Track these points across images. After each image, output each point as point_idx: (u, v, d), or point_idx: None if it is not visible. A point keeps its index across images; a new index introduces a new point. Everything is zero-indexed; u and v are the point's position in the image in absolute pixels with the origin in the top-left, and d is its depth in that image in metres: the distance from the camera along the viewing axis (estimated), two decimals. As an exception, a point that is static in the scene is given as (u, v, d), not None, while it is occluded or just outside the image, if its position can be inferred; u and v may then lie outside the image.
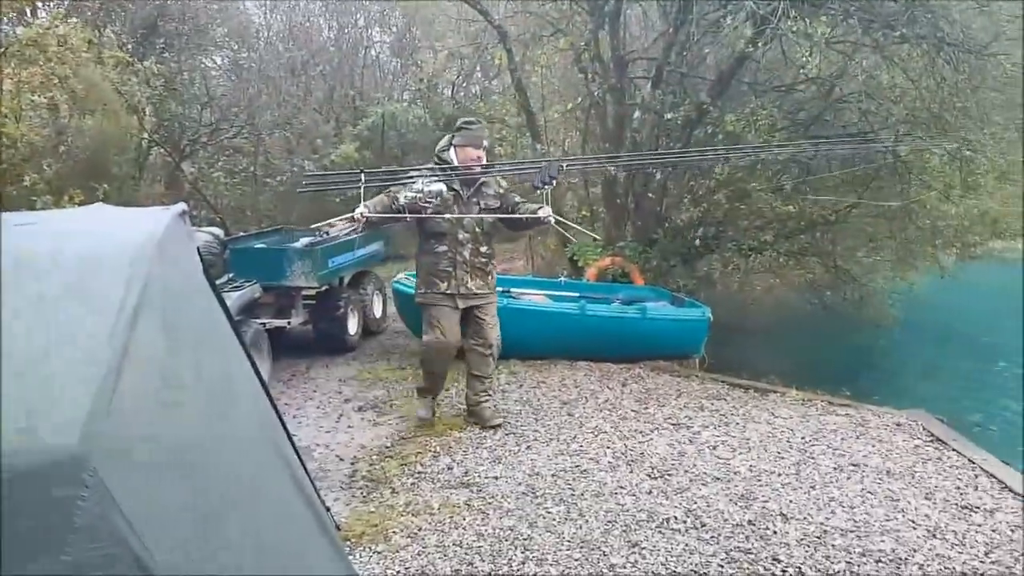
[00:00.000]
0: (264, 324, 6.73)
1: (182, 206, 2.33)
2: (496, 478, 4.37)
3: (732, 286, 9.91)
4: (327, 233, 8.35)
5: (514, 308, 7.20)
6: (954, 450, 4.97)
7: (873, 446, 4.97)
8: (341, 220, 4.87)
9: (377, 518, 3.86)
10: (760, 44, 7.50)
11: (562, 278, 8.76)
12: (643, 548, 3.54)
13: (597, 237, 6.43)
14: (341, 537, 3.60)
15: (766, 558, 3.44)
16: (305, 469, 3.15)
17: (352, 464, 4.71)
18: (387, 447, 4.96)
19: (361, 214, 4.65)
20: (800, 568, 3.35)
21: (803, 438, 5.10)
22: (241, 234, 9.13)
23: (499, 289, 7.87)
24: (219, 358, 2.32)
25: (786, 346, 10.54)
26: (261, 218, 13.42)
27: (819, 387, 6.62)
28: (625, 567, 3.37)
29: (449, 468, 4.53)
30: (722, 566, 3.37)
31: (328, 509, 3.49)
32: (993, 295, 13.63)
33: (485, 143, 5.14)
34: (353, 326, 7.78)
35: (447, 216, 4.91)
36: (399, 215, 4.89)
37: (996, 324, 12.26)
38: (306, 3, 16.64)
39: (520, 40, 9.73)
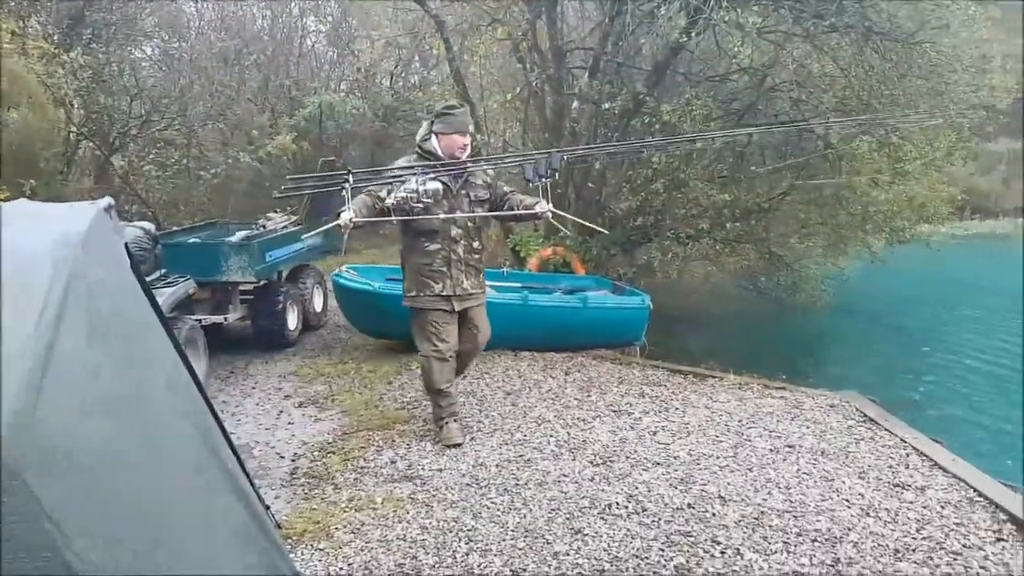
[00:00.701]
0: (200, 321, 6.60)
1: (108, 200, 2.27)
2: (440, 470, 4.37)
3: (671, 274, 10.06)
4: (263, 227, 8.28)
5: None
6: (886, 430, 5.13)
7: (808, 427, 5.10)
8: (328, 228, 4.45)
9: (319, 515, 3.83)
10: (694, 34, 7.61)
11: (504, 269, 8.77)
12: (586, 535, 3.58)
13: (603, 230, 6.13)
14: (282, 535, 3.56)
15: (705, 540, 3.51)
16: (243, 468, 3.10)
17: (293, 461, 4.65)
18: (329, 443, 4.91)
19: (351, 220, 4.12)
20: (738, 549, 3.43)
21: (740, 421, 5.21)
22: (174, 229, 8.91)
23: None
24: (149, 356, 2.26)
25: (724, 332, 10.77)
26: (195, 212, 13.11)
27: (756, 371, 6.77)
28: (568, 554, 3.40)
29: (392, 462, 4.51)
30: (663, 550, 3.43)
31: (268, 507, 3.44)
32: (920, 279, 14.13)
33: (471, 128, 4.82)
34: (293, 321, 7.68)
35: (442, 216, 4.53)
36: (385, 218, 4.46)
37: (923, 308, 12.72)
38: (238, -9, 16.27)
39: (457, 30, 9.69)
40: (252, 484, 3.21)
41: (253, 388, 6.32)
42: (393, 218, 4.43)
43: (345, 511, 3.86)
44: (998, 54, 9.04)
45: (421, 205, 4.34)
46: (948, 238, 12.24)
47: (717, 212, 9.04)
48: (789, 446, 4.73)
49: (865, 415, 5.37)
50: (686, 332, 9.99)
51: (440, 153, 4.64)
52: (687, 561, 3.33)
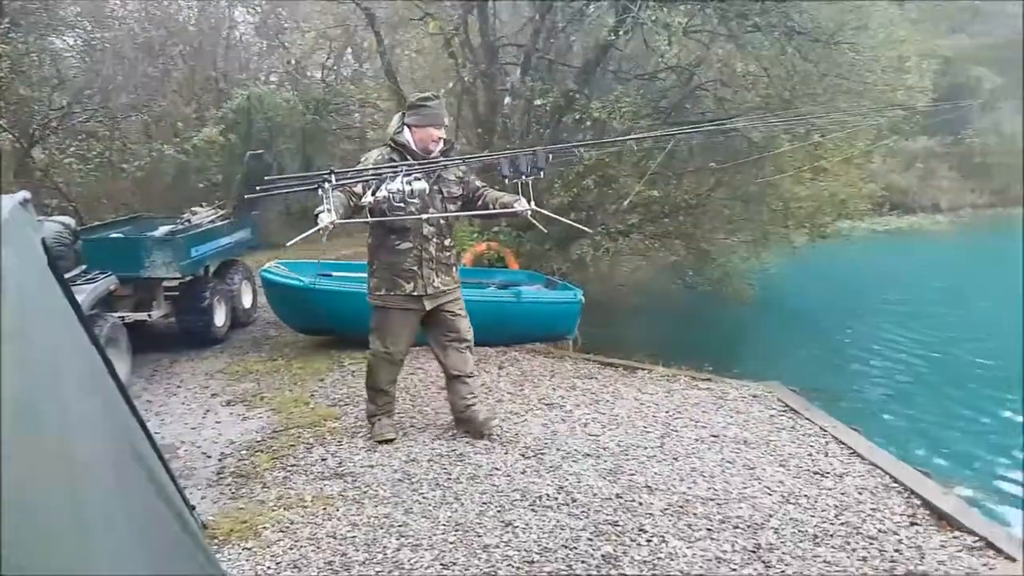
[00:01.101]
0: (122, 318, 6.43)
1: (24, 194, 2.20)
2: (371, 467, 4.36)
3: (603, 269, 10.20)
4: (188, 221, 8.10)
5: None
6: (807, 419, 5.31)
7: (732, 417, 5.25)
8: (309, 234, 3.93)
9: (247, 514, 3.78)
10: (622, 33, 7.72)
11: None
12: (516, 527, 3.62)
13: (588, 230, 5.53)
14: (208, 536, 3.51)
15: (632, 529, 3.59)
16: (167, 468, 3.05)
17: (220, 460, 4.58)
18: (257, 441, 4.85)
19: (331, 222, 3.80)
20: (664, 537, 3.52)
21: (668, 412, 5.33)
22: (95, 223, 8.64)
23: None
24: (66, 356, 2.21)
25: (654, 325, 10.97)
26: (118, 206, 12.70)
27: (684, 363, 6.92)
28: (499, 547, 3.44)
29: (323, 459, 4.48)
30: (591, 539, 3.50)
31: (193, 508, 3.39)
32: (841, 274, 14.62)
33: (446, 121, 4.62)
34: (220, 318, 7.53)
35: (424, 216, 4.32)
36: (366, 219, 4.27)
37: (843, 301, 13.17)
38: (164, -19, 15.82)
39: (389, 23, 9.62)
40: (176, 485, 3.16)
41: (179, 387, 6.19)
42: (373, 219, 4.23)
43: (273, 510, 3.83)
44: (915, 54, 9.40)
45: (404, 205, 4.07)
46: (868, 233, 12.73)
47: (647, 208, 9.20)
48: (714, 436, 4.86)
49: (787, 405, 5.55)
50: (617, 326, 10.14)
51: (413, 147, 4.46)
52: (614, 550, 3.40)
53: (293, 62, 15.71)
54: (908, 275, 15.65)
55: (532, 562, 3.32)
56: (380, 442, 4.67)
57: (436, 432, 4.92)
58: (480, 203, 4.62)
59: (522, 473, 4.27)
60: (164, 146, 13.00)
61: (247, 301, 8.37)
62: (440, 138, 4.51)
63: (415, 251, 4.50)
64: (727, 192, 9.07)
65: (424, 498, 3.94)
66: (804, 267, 11.65)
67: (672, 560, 3.33)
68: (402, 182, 4.02)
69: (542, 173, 4.32)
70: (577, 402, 5.60)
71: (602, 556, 3.36)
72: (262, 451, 4.67)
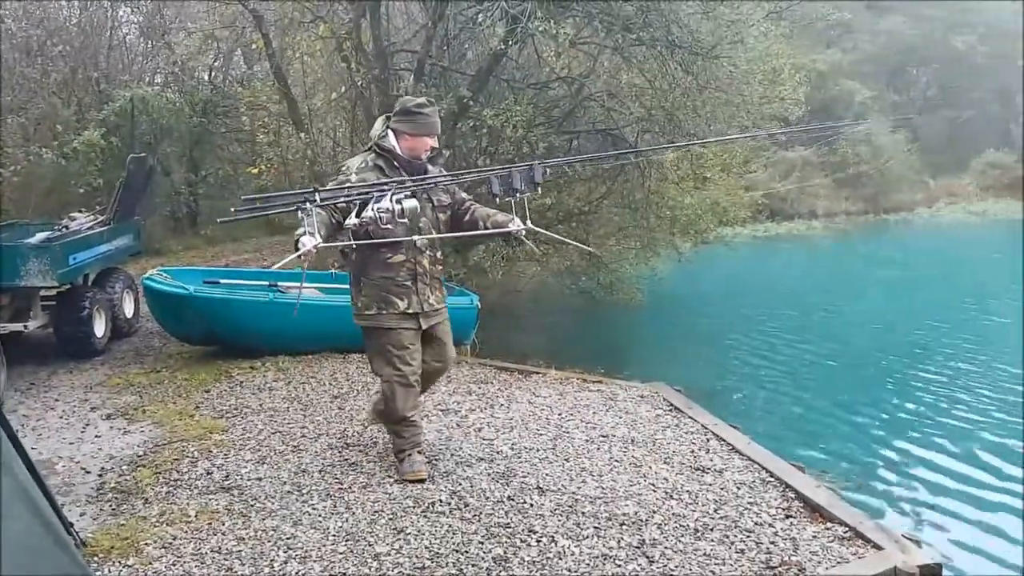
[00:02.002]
0: (-4, 329, 6.12)
1: None
2: (260, 479, 4.28)
3: (498, 274, 10.30)
4: (66, 227, 7.75)
5: (282, 302, 7.04)
6: (690, 417, 5.51)
7: (620, 418, 5.41)
8: (289, 260, 3.64)
9: (128, 531, 3.65)
10: (512, 42, 7.84)
11: (333, 270, 8.66)
12: (408, 534, 3.63)
13: (592, 249, 4.77)
14: (88, 554, 3.39)
15: (523, 530, 3.66)
16: (42, 485, 2.92)
17: (100, 476, 4.41)
18: (139, 455, 4.68)
19: (315, 246, 3.52)
20: (553, 536, 3.60)
21: (560, 415, 5.44)
22: (-33, 231, 8.16)
23: (265, 283, 7.70)
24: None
25: (548, 329, 11.19)
26: (-8, 213, 12.01)
27: (576, 366, 7.08)
28: (390, 554, 3.44)
29: (208, 473, 4.37)
30: (482, 542, 3.54)
31: (71, 525, 3.27)
32: (724, 278, 15.24)
33: (439, 129, 4.26)
34: (100, 328, 7.24)
35: (417, 239, 4.04)
36: (354, 242, 3.91)
37: (726, 304, 13.74)
38: (42, -21, 15.02)
39: (278, 25, 9.46)
40: (53, 502, 3.03)
41: (56, 400, 5.93)
42: (359, 242, 3.90)
43: (156, 526, 3.71)
44: (788, 68, 9.93)
45: (393, 227, 3.80)
46: (750, 239, 13.32)
47: (540, 215, 9.33)
48: (603, 436, 4.99)
49: (671, 404, 5.76)
50: (513, 330, 10.26)
51: (400, 152, 4.13)
52: (505, 552, 3.46)
53: (179, 63, 15.18)
54: (786, 278, 16.45)
55: (423, 568, 3.34)
56: (411, 481, 4.18)
57: (328, 441, 4.87)
58: (468, 217, 4.30)
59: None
60: (42, 150, 12.37)
61: (129, 310, 8.07)
62: (431, 148, 4.19)
63: (408, 264, 4.12)
64: (616, 200, 9.33)
65: (314, 509, 3.90)
66: (690, 272, 12.10)
67: (560, 559, 3.41)
68: (391, 201, 3.74)
69: (539, 189, 4.03)
70: (472, 407, 5.64)
71: (493, 558, 3.41)
72: (144, 466, 4.51)
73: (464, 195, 4.41)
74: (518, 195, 3.95)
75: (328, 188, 3.86)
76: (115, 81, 14.81)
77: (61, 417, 5.52)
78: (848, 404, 8.41)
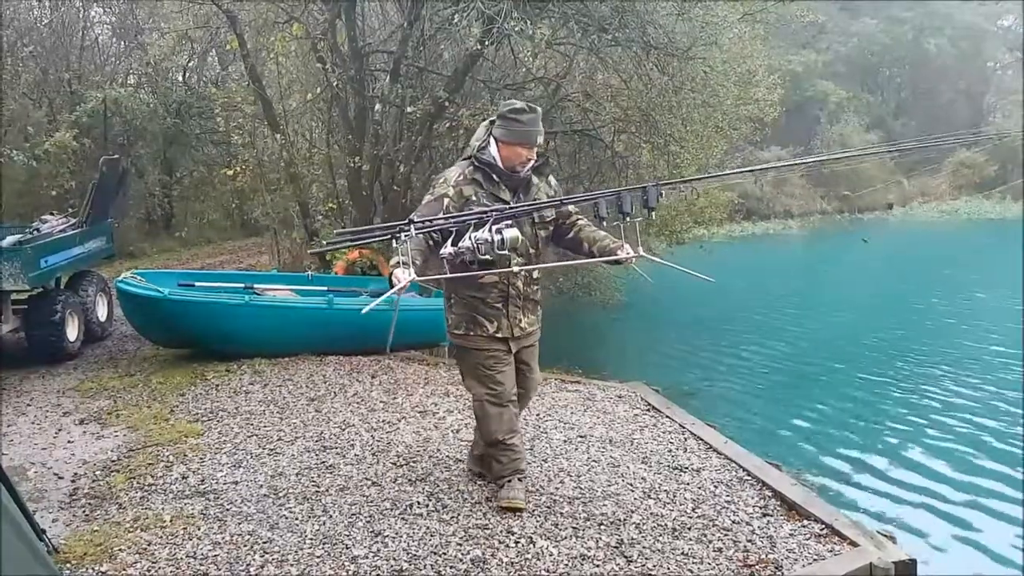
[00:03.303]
0: (-36, 335, 6.02)
1: None
2: (236, 483, 4.24)
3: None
4: (37, 230, 7.65)
5: (259, 305, 7.00)
6: (668, 417, 5.53)
7: (598, 418, 5.42)
8: (387, 296, 3.43)
9: (101, 536, 3.60)
10: (488, 43, 7.84)
11: (309, 272, 8.62)
12: (386, 536, 3.61)
13: (709, 279, 4.11)
14: (60, 560, 3.34)
15: (501, 531, 3.65)
16: (13, 491, 2.88)
17: (73, 482, 4.35)
18: (113, 461, 4.62)
19: (409, 280, 3.31)
20: (531, 537, 3.60)
21: (538, 415, 5.43)
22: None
23: (240, 285, 7.64)
24: None
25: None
26: (-38, 216, 11.82)
27: (555, 366, 7.07)
28: (367, 557, 3.43)
29: (184, 477, 4.32)
30: (460, 544, 3.53)
31: (43, 532, 3.22)
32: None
33: (540, 139, 3.83)
34: (73, 332, 7.15)
35: (516, 269, 3.68)
36: (449, 275, 3.64)
37: (703, 305, 13.82)
38: (13, -22, 14.81)
39: (252, 26, 9.38)
40: (24, 508, 2.99)
41: (28, 405, 5.85)
42: (453, 275, 3.63)
43: (130, 531, 3.66)
44: (763, 69, 10.00)
45: (491, 258, 3.48)
46: (726, 239, 13.40)
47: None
48: (581, 436, 5.00)
49: (649, 404, 5.77)
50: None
51: (499, 164, 3.76)
52: (483, 553, 3.45)
53: (152, 63, 15.03)
54: (761, 278, 16.57)
55: (401, 570, 3.32)
56: (508, 509, 3.89)
57: (305, 444, 4.83)
58: (572, 235, 3.94)
59: (393, 482, 4.26)
60: (13, 152, 12.18)
61: (102, 314, 7.98)
62: (530, 159, 3.80)
63: (500, 285, 3.82)
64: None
65: (291, 512, 3.87)
66: (667, 272, 12.11)
67: (539, 560, 3.41)
68: (490, 231, 3.43)
69: (652, 214, 3.65)
70: (450, 408, 5.63)
71: (471, 560, 3.40)
72: (118, 471, 4.46)
73: (571, 207, 3.98)
74: (628, 219, 3.59)
75: (423, 219, 3.52)
76: (87, 82, 14.65)
77: (33, 422, 5.44)
78: (823, 402, 8.49)
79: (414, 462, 4.55)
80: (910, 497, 6.18)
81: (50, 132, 12.83)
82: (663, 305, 13.42)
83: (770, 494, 4.19)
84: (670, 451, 4.84)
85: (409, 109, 8.62)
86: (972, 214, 29.38)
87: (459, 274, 3.63)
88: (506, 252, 3.49)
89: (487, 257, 3.44)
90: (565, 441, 4.92)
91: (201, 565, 3.35)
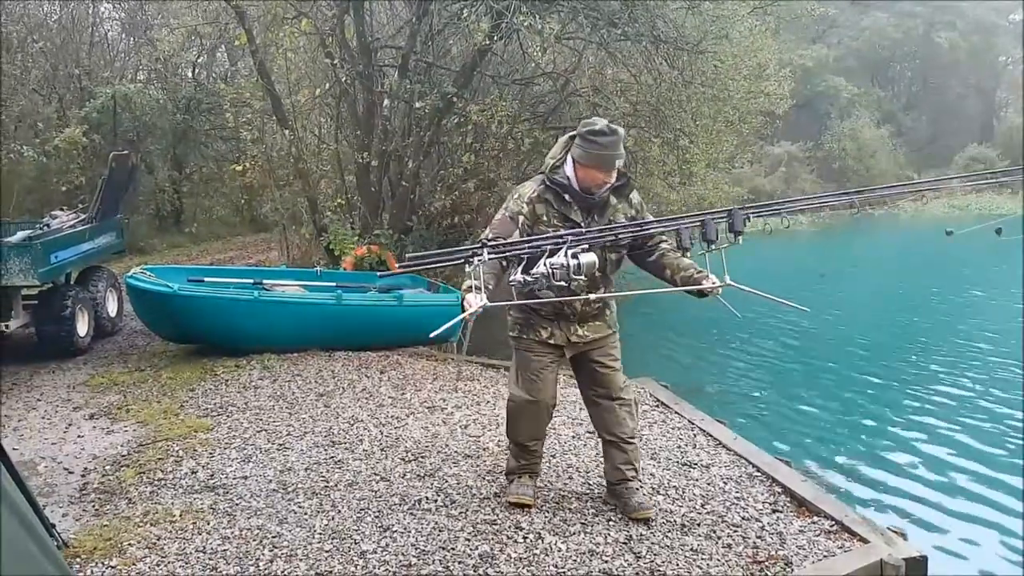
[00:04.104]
0: (-25, 329, 6.06)
1: None
2: (245, 478, 4.25)
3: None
4: (47, 226, 7.68)
5: (268, 300, 7.02)
6: (676, 413, 5.52)
7: (608, 414, 5.39)
8: (457, 321, 3.32)
9: (111, 531, 3.62)
10: (497, 38, 7.82)
11: (318, 268, 8.64)
12: (394, 531, 3.61)
13: (803, 308, 3.93)
14: (69, 554, 3.35)
15: (509, 527, 3.65)
16: (23, 486, 2.89)
17: (83, 476, 4.37)
18: (123, 455, 4.64)
19: (481, 306, 3.20)
20: (539, 533, 3.59)
21: (547, 411, 5.42)
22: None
23: (249, 281, 7.66)
24: None
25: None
26: (-28, 211, 11.89)
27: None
28: (376, 552, 3.43)
29: (193, 472, 4.33)
30: (469, 539, 3.53)
31: (53, 526, 3.24)
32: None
33: (619, 162, 3.59)
34: (83, 327, 7.18)
35: (593, 296, 3.54)
36: (522, 302, 3.52)
37: (712, 301, 13.74)
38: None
39: (261, 21, 9.39)
40: (34, 503, 3.00)
41: (39, 400, 5.88)
42: (523, 302, 3.52)
43: (139, 526, 3.67)
44: (774, 63, 9.94)
45: (566, 283, 3.30)
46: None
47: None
48: (589, 432, 4.96)
49: (658, 400, 5.75)
50: (499, 327, 10.22)
51: (574, 185, 3.58)
52: (491, 548, 3.44)
53: (162, 60, 15.07)
54: (770, 274, 16.49)
55: (410, 565, 3.32)
56: (514, 504, 3.90)
57: (314, 439, 4.84)
58: (653, 259, 3.73)
59: (402, 477, 4.26)
60: (23, 147, 12.25)
61: (112, 309, 8.01)
62: (606, 182, 3.58)
63: (556, 304, 3.66)
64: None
65: (300, 507, 3.87)
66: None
67: (547, 555, 3.40)
68: (566, 255, 3.26)
69: (739, 240, 3.41)
70: (458, 404, 5.63)
71: (479, 555, 3.39)
72: (128, 466, 4.48)
73: (650, 217, 3.81)
74: (713, 247, 3.40)
75: (496, 239, 3.42)
76: (97, 78, 14.70)
77: (43, 417, 5.46)
78: (833, 399, 8.44)
79: (423, 458, 4.55)
80: (921, 494, 6.13)
81: (60, 128, 12.88)
82: (671, 300, 13.37)
83: (780, 490, 4.18)
84: (679, 447, 4.82)
85: (417, 104, 8.61)
86: (983, 209, 29.19)
87: (531, 301, 3.55)
88: (582, 278, 3.32)
89: (561, 283, 3.28)
90: (573, 437, 4.91)
91: (210, 560, 3.35)
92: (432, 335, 3.23)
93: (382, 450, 4.67)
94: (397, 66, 8.95)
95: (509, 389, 3.96)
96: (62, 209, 8.84)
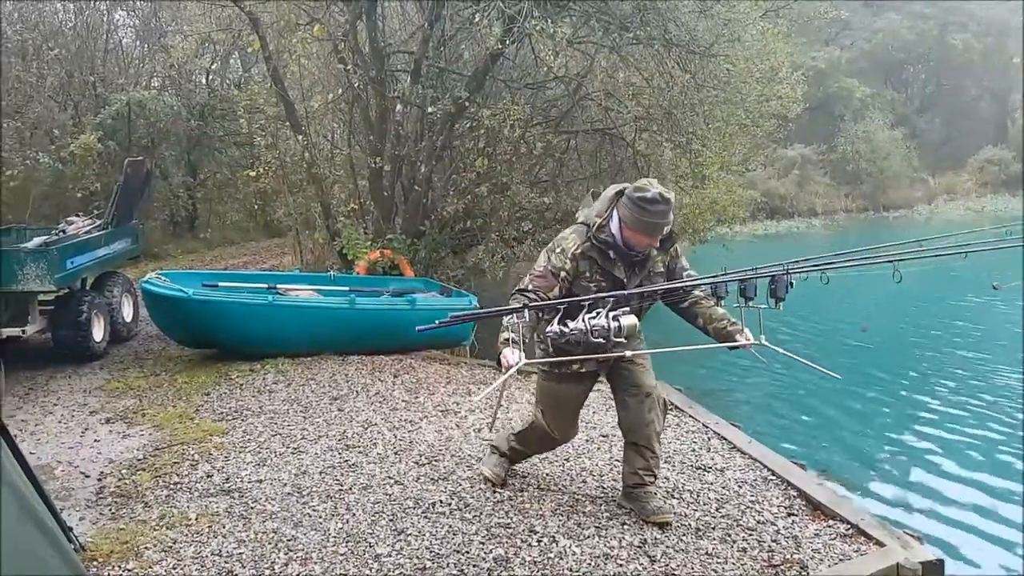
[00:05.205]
0: (-6, 334, 6.12)
1: None
2: (260, 482, 4.27)
3: (498, 275, 10.29)
4: (63, 231, 7.75)
5: (282, 305, 7.05)
6: (690, 416, 5.51)
7: (621, 417, 5.38)
8: (500, 383, 3.49)
9: (127, 535, 3.64)
10: (509, 42, 7.83)
11: (331, 273, 8.67)
12: (409, 535, 3.62)
13: (835, 375, 3.84)
14: (86, 558, 3.38)
15: (524, 530, 3.65)
16: (40, 490, 2.92)
17: (99, 480, 4.40)
18: (139, 459, 4.67)
19: (519, 362, 3.24)
20: (554, 537, 3.59)
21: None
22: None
23: (263, 285, 7.70)
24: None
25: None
26: (-11, 217, 12.00)
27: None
28: (390, 555, 3.43)
29: (209, 476, 4.35)
30: (483, 543, 3.53)
31: (70, 530, 3.26)
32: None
33: (667, 229, 3.60)
34: (99, 332, 7.23)
35: (628, 354, 3.59)
36: (559, 359, 3.59)
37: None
38: (38, -17, 15.00)
39: (274, 27, 9.44)
40: (51, 507, 3.03)
41: (55, 405, 5.92)
42: (559, 359, 3.57)
43: (156, 529, 3.70)
44: (786, 66, 9.91)
45: (605, 342, 3.33)
46: (749, 238, 13.24)
47: (539, 215, 9.34)
48: (603, 436, 4.98)
49: (672, 403, 5.73)
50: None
51: (619, 242, 3.56)
52: (505, 552, 3.45)
53: (176, 66, 15.18)
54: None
55: (424, 568, 3.33)
56: (485, 479, 4.17)
57: (328, 443, 4.86)
58: (686, 306, 3.73)
59: (416, 481, 4.27)
60: (39, 154, 12.35)
61: (128, 314, 8.06)
62: (652, 245, 3.59)
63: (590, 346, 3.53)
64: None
65: (314, 511, 3.89)
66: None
67: (561, 559, 3.40)
68: (607, 317, 3.30)
69: (780, 305, 3.34)
70: (472, 408, 5.63)
71: (494, 559, 3.40)
72: (144, 469, 4.50)
73: (685, 263, 3.82)
74: (749, 304, 3.38)
75: (536, 294, 3.48)
76: (112, 85, 14.80)
77: (60, 422, 5.50)
78: (846, 402, 8.39)
79: (436, 461, 4.56)
80: (936, 497, 6.10)
81: (75, 134, 12.96)
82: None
83: (795, 494, 4.17)
84: (693, 451, 4.82)
85: (430, 109, 8.64)
86: (999, 211, 28.96)
87: (569, 358, 3.55)
88: (622, 340, 3.34)
89: (599, 340, 3.31)
90: (587, 440, 4.91)
91: (226, 563, 3.37)
92: (477, 398, 3.26)
93: (396, 453, 4.69)
94: (409, 71, 8.97)
95: (537, 415, 3.96)
96: (78, 215, 8.91)
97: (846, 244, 23.91)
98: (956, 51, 35.31)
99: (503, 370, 3.31)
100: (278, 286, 7.73)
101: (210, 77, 16.58)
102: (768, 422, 7.59)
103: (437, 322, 3.59)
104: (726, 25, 7.62)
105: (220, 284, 7.60)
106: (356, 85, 9.02)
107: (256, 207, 14.33)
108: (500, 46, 7.91)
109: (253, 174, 11.20)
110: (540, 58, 8.44)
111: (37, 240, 7.39)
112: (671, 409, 5.62)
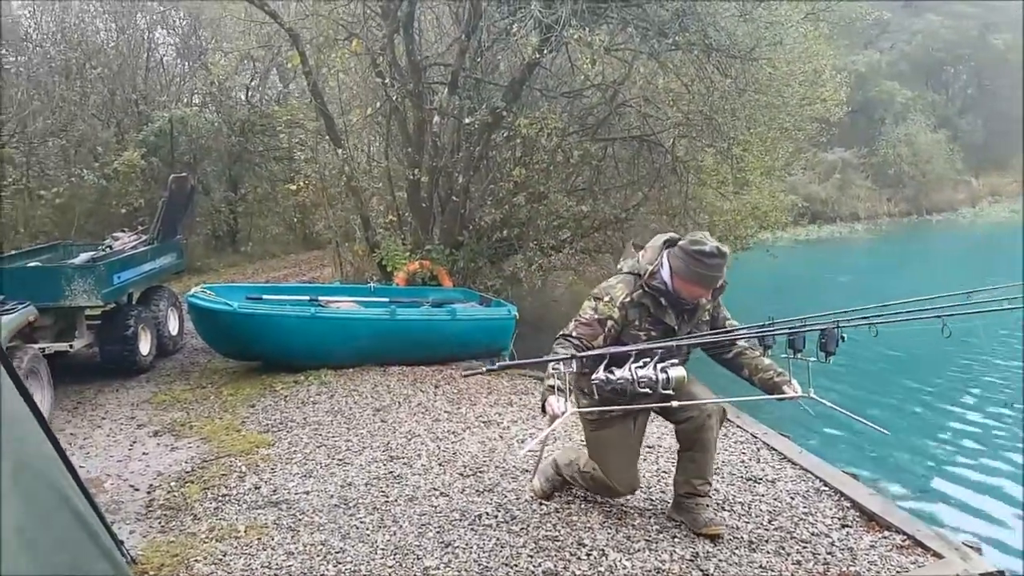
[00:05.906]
0: (43, 349, 6.23)
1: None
2: (307, 493, 4.28)
3: (536, 284, 10.26)
4: (110, 247, 7.89)
5: (323, 317, 7.10)
6: (738, 427, 5.41)
7: (666, 427, 5.26)
8: (546, 433, 3.56)
9: (178, 547, 3.66)
10: (546, 51, 7.82)
11: (371, 284, 8.72)
12: (456, 547, 3.59)
13: (883, 430, 3.80)
14: (138, 571, 3.40)
15: (572, 543, 3.60)
16: (92, 503, 2.94)
17: (148, 493, 4.44)
18: (187, 472, 4.71)
19: (566, 411, 3.24)
20: (603, 550, 3.54)
21: (605, 426, 5.35)
22: (13, 252, 8.33)
23: (305, 298, 7.76)
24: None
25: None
26: (36, 234, 12.26)
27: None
28: (439, 568, 3.41)
29: (256, 488, 4.37)
30: (531, 556, 3.49)
31: (121, 543, 3.28)
32: (765, 282, 15.02)
33: (720, 282, 3.60)
34: (145, 346, 7.34)
35: (674, 404, 3.48)
36: (607, 407, 3.54)
37: (767, 309, 13.49)
38: (80, 3, 15.34)
39: (313, 43, 9.56)
40: (103, 519, 3.05)
41: (103, 418, 6.01)
42: (604, 408, 3.53)
43: (205, 542, 3.72)
44: (829, 68, 9.78)
45: (651, 392, 3.32)
46: (791, 243, 13.07)
47: (577, 223, 9.30)
48: (649, 447, 4.91)
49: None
50: (551, 340, 10.19)
51: (670, 290, 3.54)
52: (555, 565, 3.40)
53: (216, 83, 15.43)
54: (828, 282, 16.16)
55: (473, 582, 3.30)
56: (532, 491, 4.12)
57: (372, 455, 4.86)
58: (730, 357, 3.74)
59: (461, 492, 4.24)
60: (84, 171, 12.61)
61: (173, 327, 8.17)
62: (703, 297, 3.60)
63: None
64: (653, 207, 9.26)
65: (361, 523, 3.88)
66: (729, 277, 11.89)
67: (612, 573, 3.35)
68: (655, 369, 3.28)
69: (830, 359, 3.35)
70: (514, 418, 5.60)
71: (543, 572, 3.35)
72: (192, 482, 4.54)
73: (726, 314, 3.82)
74: (797, 355, 3.40)
75: (581, 343, 3.47)
76: (153, 102, 15.08)
77: (108, 435, 5.58)
78: (896, 410, 8.21)
79: (480, 472, 4.53)
80: (992, 507, 5.92)
81: (119, 151, 13.20)
82: (730, 310, 13.17)
83: (848, 504, 4.07)
84: (743, 462, 4.73)
85: (467, 120, 8.66)
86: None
87: (618, 407, 3.52)
88: (670, 392, 3.30)
89: (646, 391, 3.29)
90: (633, 451, 4.84)
91: (276, 575, 3.37)
92: (521, 453, 3.22)
93: (440, 465, 4.67)
94: (447, 83, 9.01)
95: (589, 463, 3.83)
96: (123, 230, 9.06)
97: (890, 249, 23.52)
98: (998, 51, 34.58)
99: (548, 419, 3.27)
100: (320, 298, 7.80)
101: (249, 93, 16.83)
102: (815, 432, 7.43)
103: (485, 369, 3.67)
104: (767, 28, 7.53)
105: (264, 297, 7.68)
106: (394, 98, 9.08)
107: (296, 220, 14.49)
108: (537, 55, 7.90)
109: (293, 188, 11.33)
110: (577, 66, 8.41)
111: (84, 256, 7.52)
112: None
